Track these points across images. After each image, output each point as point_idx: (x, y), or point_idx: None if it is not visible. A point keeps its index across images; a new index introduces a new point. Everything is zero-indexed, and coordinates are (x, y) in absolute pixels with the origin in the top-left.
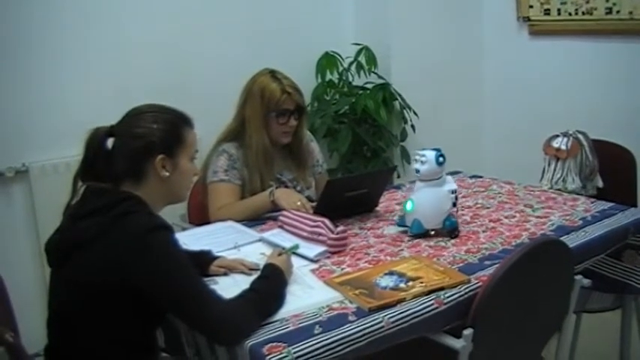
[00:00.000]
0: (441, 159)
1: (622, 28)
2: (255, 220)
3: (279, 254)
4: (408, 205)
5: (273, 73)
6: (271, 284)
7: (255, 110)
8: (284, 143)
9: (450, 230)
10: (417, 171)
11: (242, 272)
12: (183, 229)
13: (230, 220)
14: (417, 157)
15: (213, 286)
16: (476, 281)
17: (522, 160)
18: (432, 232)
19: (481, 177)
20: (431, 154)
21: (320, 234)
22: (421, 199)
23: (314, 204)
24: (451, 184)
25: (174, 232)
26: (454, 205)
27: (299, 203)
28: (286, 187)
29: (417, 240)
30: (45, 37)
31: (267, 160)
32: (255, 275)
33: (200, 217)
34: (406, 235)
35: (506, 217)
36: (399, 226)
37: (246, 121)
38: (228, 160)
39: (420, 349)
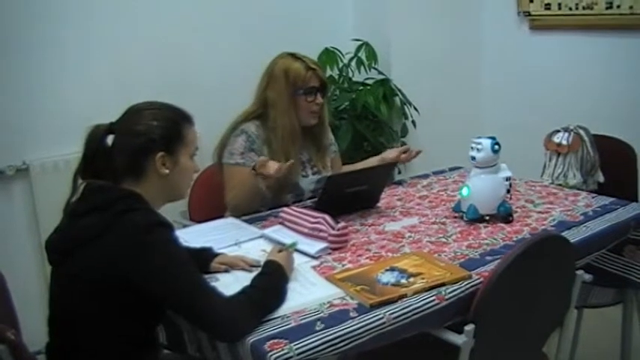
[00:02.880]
0: (496, 147)
1: (623, 23)
2: (256, 212)
3: (279, 251)
4: (464, 191)
5: (292, 54)
6: (272, 281)
7: (280, 92)
8: (311, 124)
9: (504, 216)
10: (473, 158)
11: (243, 269)
12: (184, 226)
13: (241, 204)
14: (473, 145)
15: (214, 283)
16: (477, 277)
17: (523, 156)
18: (487, 218)
19: None
20: (487, 142)
21: (321, 230)
22: (477, 186)
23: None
24: (506, 171)
25: (174, 229)
26: (508, 191)
27: (276, 166)
28: (304, 167)
29: (418, 236)
30: (45, 35)
31: (295, 141)
32: (256, 272)
33: (201, 213)
34: (406, 229)
35: None
36: (455, 211)
37: (269, 105)
38: (246, 142)
39: (421, 344)
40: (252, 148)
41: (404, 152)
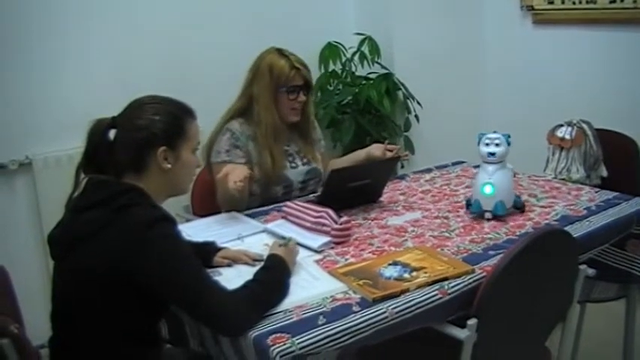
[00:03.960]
0: (510, 139)
1: (626, 17)
2: (249, 208)
3: (280, 245)
4: (488, 189)
5: (280, 51)
6: (275, 275)
7: (264, 87)
8: (293, 122)
9: (519, 206)
10: (493, 154)
11: (246, 263)
12: (187, 220)
13: (230, 201)
14: (489, 141)
15: (217, 278)
16: (480, 271)
17: (526, 150)
18: (510, 211)
19: None
20: (502, 136)
21: (324, 224)
22: (498, 181)
23: (320, 193)
24: (508, 163)
25: (176, 223)
26: None
27: (239, 181)
28: (293, 158)
29: (421, 230)
30: (46, 30)
31: (277, 137)
32: (258, 266)
33: (204, 208)
34: (409, 224)
35: None
36: (474, 211)
37: (254, 100)
38: (231, 139)
39: (424, 339)
40: (237, 145)
41: (389, 150)
